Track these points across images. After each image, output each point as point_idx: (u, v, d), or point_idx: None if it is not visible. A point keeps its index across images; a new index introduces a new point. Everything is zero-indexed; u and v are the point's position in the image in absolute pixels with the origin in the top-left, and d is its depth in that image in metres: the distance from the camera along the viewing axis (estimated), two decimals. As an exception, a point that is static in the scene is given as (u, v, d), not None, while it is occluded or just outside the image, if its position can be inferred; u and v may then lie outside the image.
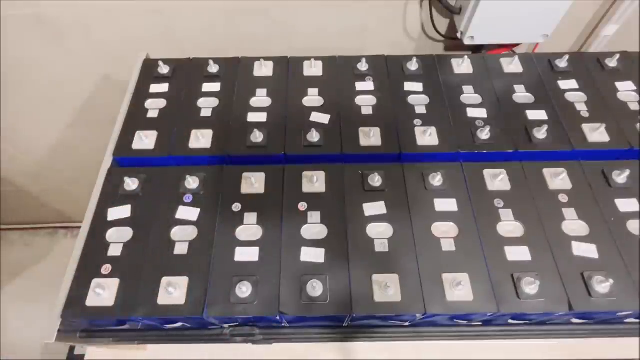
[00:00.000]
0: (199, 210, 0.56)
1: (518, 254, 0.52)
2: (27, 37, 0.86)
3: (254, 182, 0.57)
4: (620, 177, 0.57)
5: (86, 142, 1.10)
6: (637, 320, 0.56)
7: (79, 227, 0.57)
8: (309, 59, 0.72)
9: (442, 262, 0.51)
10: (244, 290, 0.48)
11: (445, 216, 0.55)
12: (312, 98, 0.67)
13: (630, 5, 0.83)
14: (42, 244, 1.57)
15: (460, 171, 0.59)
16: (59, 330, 0.49)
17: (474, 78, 0.70)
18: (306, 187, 0.58)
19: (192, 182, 0.57)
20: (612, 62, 0.71)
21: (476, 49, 0.89)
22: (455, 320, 0.54)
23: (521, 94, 0.68)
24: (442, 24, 0.88)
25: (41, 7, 0.81)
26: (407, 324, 0.55)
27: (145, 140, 0.62)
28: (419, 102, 0.67)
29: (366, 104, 0.67)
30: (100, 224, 0.55)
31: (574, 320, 0.56)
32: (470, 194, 0.57)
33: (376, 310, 0.48)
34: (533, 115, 0.65)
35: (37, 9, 0.81)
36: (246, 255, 0.52)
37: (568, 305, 0.48)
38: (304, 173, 0.59)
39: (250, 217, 0.55)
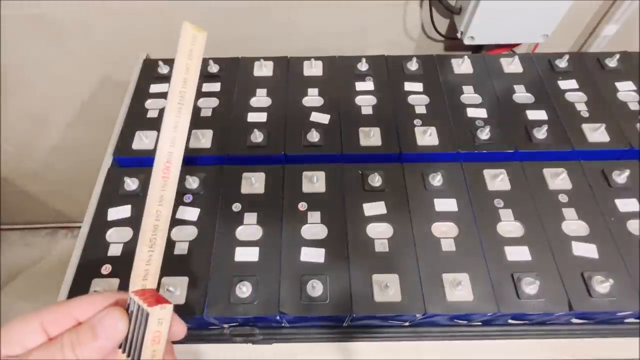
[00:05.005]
0: (199, 210, 0.56)
1: (518, 254, 0.52)
2: (27, 37, 0.86)
3: (254, 182, 0.57)
4: (620, 177, 0.57)
5: (86, 142, 1.10)
6: (637, 320, 0.56)
7: (79, 227, 0.57)
8: (309, 59, 0.72)
9: (442, 262, 0.51)
10: (244, 290, 0.48)
11: (445, 216, 0.55)
12: (312, 98, 0.67)
13: (630, 5, 0.83)
14: (42, 244, 1.57)
15: (460, 171, 0.59)
16: (59, 330, 0.49)
17: (474, 78, 0.70)
18: (306, 187, 0.57)
19: (192, 182, 0.57)
20: (612, 62, 0.71)
21: (476, 49, 0.89)
22: (455, 320, 0.54)
23: (521, 94, 0.68)
24: (442, 24, 0.88)
25: (41, 7, 0.81)
26: (407, 324, 0.55)
27: (145, 140, 0.62)
28: (419, 102, 0.67)
29: (366, 104, 0.67)
30: (100, 224, 0.55)
31: (574, 320, 0.56)
32: (470, 194, 0.57)
33: (376, 310, 0.48)
34: (533, 115, 0.65)
35: (37, 9, 0.81)
36: (246, 255, 0.52)
37: (568, 305, 0.48)
38: (304, 173, 0.59)
39: (250, 217, 0.55)
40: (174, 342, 0.32)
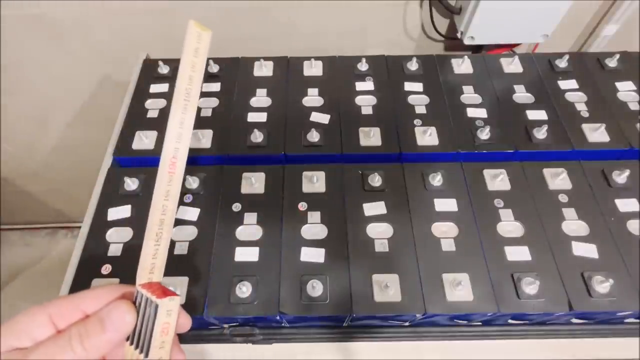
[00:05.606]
0: (199, 210, 0.56)
1: (518, 254, 0.52)
2: (27, 37, 0.86)
3: (254, 182, 0.57)
4: (620, 177, 0.57)
5: (86, 142, 1.10)
6: (637, 320, 0.56)
7: (79, 227, 0.57)
8: (309, 59, 0.72)
9: (442, 262, 0.51)
10: (244, 290, 0.48)
11: (445, 216, 0.55)
12: (312, 98, 0.67)
13: (630, 5, 0.83)
14: (42, 244, 1.57)
15: (460, 171, 0.59)
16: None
17: (474, 78, 0.70)
18: (306, 187, 0.58)
19: (192, 182, 0.57)
20: (612, 62, 0.71)
21: (476, 49, 0.89)
22: (455, 320, 0.54)
23: (521, 94, 0.68)
24: (442, 24, 0.88)
25: (41, 7, 0.81)
26: (407, 324, 0.55)
27: (145, 140, 0.62)
28: (419, 102, 0.67)
29: (366, 104, 0.67)
30: (100, 224, 0.55)
31: (574, 320, 0.56)
32: (470, 194, 0.57)
33: (376, 310, 0.48)
34: (533, 115, 0.65)
35: (37, 9, 0.81)
36: (246, 255, 0.52)
37: (568, 305, 0.48)
38: (304, 173, 0.59)
39: (250, 217, 0.55)
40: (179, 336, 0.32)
